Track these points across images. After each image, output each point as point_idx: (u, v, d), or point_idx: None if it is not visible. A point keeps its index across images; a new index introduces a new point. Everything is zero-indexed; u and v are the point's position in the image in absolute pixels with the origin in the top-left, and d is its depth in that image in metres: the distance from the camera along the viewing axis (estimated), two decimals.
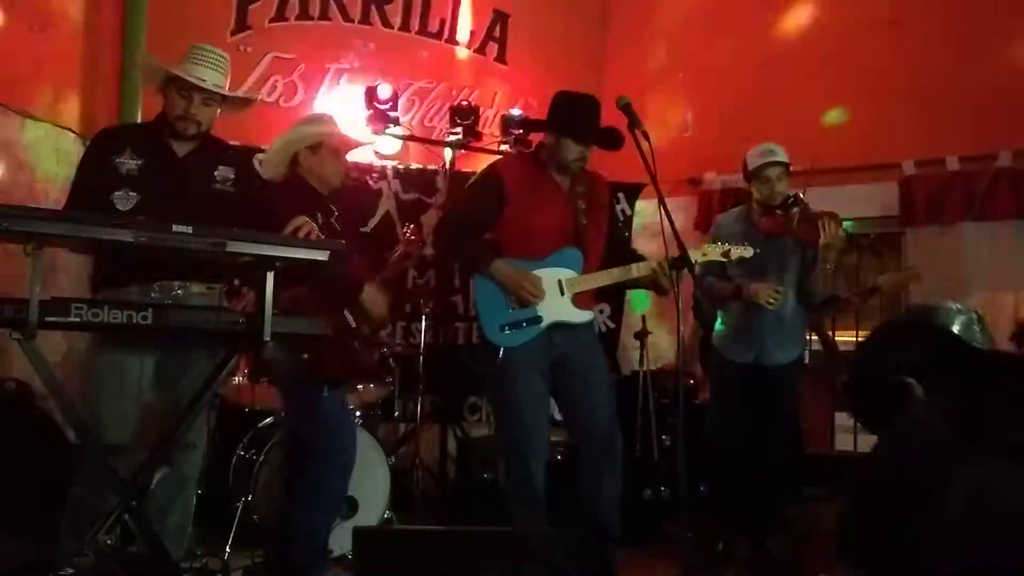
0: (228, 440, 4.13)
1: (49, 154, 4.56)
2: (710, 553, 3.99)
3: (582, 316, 3.30)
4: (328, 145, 3.31)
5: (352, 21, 5.89)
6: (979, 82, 5.14)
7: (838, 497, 3.63)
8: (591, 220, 3.32)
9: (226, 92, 3.02)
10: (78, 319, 2.35)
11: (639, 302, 5.94)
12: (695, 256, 3.19)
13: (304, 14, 5.73)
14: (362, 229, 5.34)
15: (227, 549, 3.62)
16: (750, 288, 3.84)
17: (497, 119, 6.13)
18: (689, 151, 6.10)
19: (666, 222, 2.93)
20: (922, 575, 2.62)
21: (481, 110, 5.94)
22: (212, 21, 5.36)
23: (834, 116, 5.74)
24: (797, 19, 5.97)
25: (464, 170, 5.60)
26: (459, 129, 5.73)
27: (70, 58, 4.88)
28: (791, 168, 3.92)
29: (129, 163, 2.87)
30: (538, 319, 3.21)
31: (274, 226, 2.76)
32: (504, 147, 5.87)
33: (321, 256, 2.60)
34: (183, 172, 2.96)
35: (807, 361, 4.39)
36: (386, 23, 6.00)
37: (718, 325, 4.07)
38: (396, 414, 5.14)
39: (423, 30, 6.14)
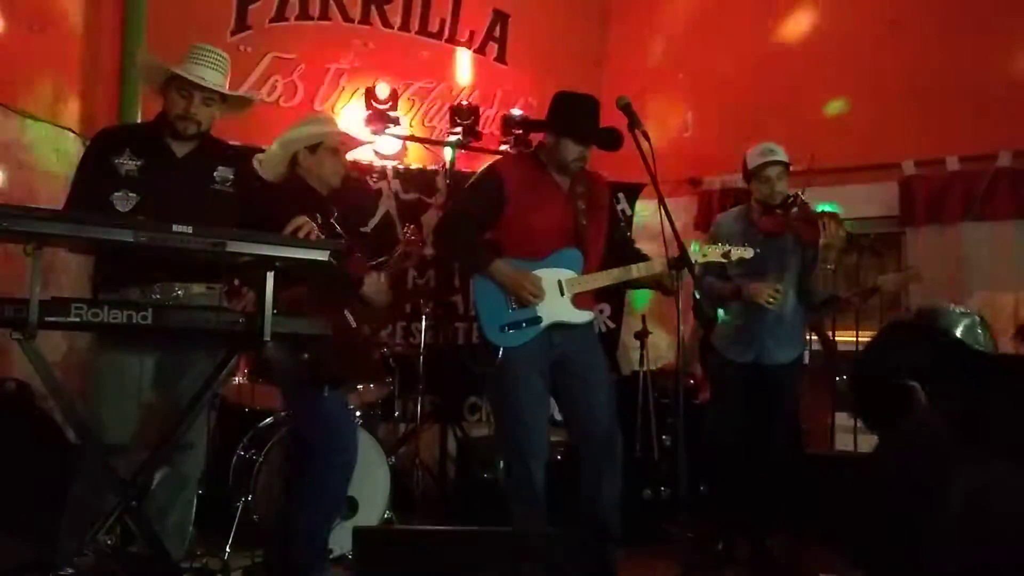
0: (228, 440, 4.13)
1: (49, 154, 4.56)
2: (710, 553, 3.99)
3: (582, 316, 3.30)
4: (327, 145, 3.31)
5: (352, 21, 5.89)
6: (979, 82, 5.14)
7: (838, 497, 3.63)
8: (591, 220, 3.33)
9: (226, 91, 3.02)
10: (78, 319, 2.35)
11: (639, 301, 5.94)
12: (695, 257, 3.19)
13: (304, 14, 5.73)
14: (362, 229, 5.34)
15: (227, 549, 3.62)
16: (750, 288, 3.84)
17: (497, 119, 6.13)
18: (689, 151, 6.10)
19: (666, 222, 2.93)
20: (922, 575, 2.62)
21: (481, 110, 5.93)
22: (212, 21, 5.36)
23: (835, 107, 5.73)
24: (797, 19, 5.96)
25: (464, 170, 5.60)
26: (459, 129, 5.73)
27: (70, 58, 4.88)
28: (791, 168, 3.92)
29: (128, 164, 2.87)
30: (538, 319, 3.21)
31: (274, 226, 2.76)
32: (504, 147, 5.87)
33: (321, 256, 2.60)
34: (182, 173, 2.96)
35: (807, 361, 4.39)
36: (386, 23, 6.00)
37: (723, 315, 4.06)
38: (396, 414, 5.15)
39: (423, 30, 6.14)
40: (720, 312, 4.09)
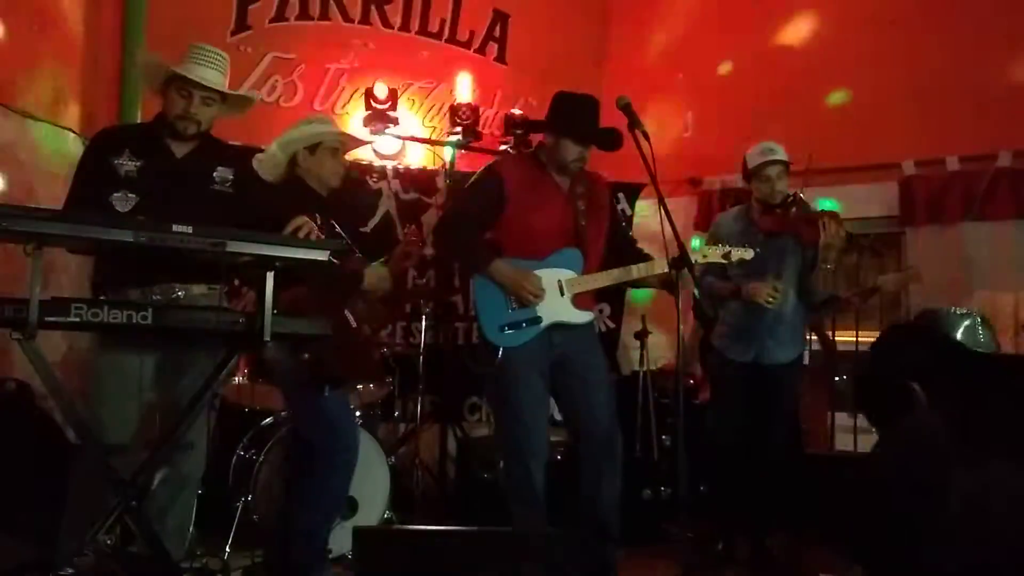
0: (228, 440, 4.13)
1: (49, 154, 4.56)
2: (710, 553, 3.99)
3: (582, 316, 3.30)
4: (326, 145, 3.30)
5: (352, 21, 5.89)
6: (979, 82, 5.14)
7: (838, 497, 3.63)
8: (591, 220, 3.33)
9: (226, 90, 3.02)
10: (78, 319, 2.35)
11: (638, 296, 5.93)
12: (695, 257, 3.19)
13: (304, 14, 5.74)
14: (362, 229, 5.34)
15: (227, 549, 3.62)
16: (749, 287, 3.84)
17: (497, 119, 6.13)
18: (689, 151, 6.10)
19: (666, 222, 2.93)
20: (922, 575, 2.62)
21: (481, 110, 5.93)
22: (212, 21, 5.36)
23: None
24: (797, 19, 5.96)
25: (464, 170, 5.60)
26: (459, 129, 5.73)
27: (70, 58, 4.88)
28: (790, 167, 3.92)
29: (128, 164, 2.88)
30: (538, 319, 3.21)
31: (274, 226, 2.76)
32: (503, 147, 5.87)
33: (321, 256, 2.60)
34: (182, 173, 2.96)
35: (807, 361, 4.39)
36: (386, 23, 6.00)
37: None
38: (396, 414, 5.15)
39: (423, 30, 6.14)
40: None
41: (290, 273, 2.68)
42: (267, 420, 4.11)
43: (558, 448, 4.13)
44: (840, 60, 5.67)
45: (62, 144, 4.66)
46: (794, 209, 3.84)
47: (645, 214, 5.94)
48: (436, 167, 5.80)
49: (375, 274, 3.29)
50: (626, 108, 3.01)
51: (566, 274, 3.26)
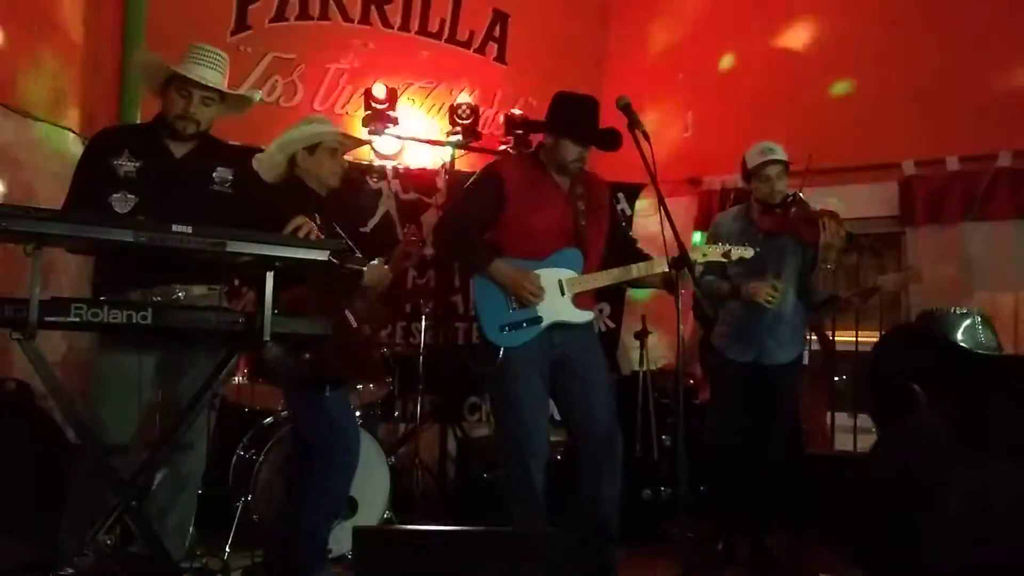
0: (228, 440, 4.13)
1: (49, 154, 4.56)
2: (710, 553, 3.98)
3: (582, 316, 3.30)
4: (325, 146, 3.30)
5: (352, 21, 5.89)
6: (979, 82, 5.14)
7: (838, 497, 3.64)
8: (591, 221, 3.33)
9: (225, 90, 3.02)
10: (78, 319, 2.35)
11: (638, 293, 5.92)
12: (695, 257, 3.19)
13: (304, 14, 5.74)
14: (362, 229, 5.34)
15: (227, 549, 3.62)
16: (748, 287, 3.84)
17: (497, 119, 6.13)
18: (689, 151, 6.10)
19: (666, 222, 2.93)
20: (922, 575, 2.62)
21: (481, 110, 5.93)
22: (212, 21, 5.37)
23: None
24: (797, 19, 5.96)
25: (464, 170, 5.60)
26: (459, 129, 5.73)
27: (70, 58, 4.88)
28: (790, 167, 3.92)
29: (127, 165, 2.87)
30: (538, 319, 3.21)
31: (273, 227, 2.75)
32: (503, 147, 5.87)
33: (321, 256, 2.60)
34: (181, 174, 2.96)
35: (806, 361, 4.39)
36: (386, 23, 6.01)
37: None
38: (396, 414, 5.15)
39: (423, 30, 6.14)
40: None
41: (290, 273, 2.68)
42: (267, 420, 4.11)
43: (558, 448, 4.14)
44: (840, 60, 5.67)
45: (62, 144, 4.66)
46: (794, 209, 3.84)
47: (645, 214, 5.94)
48: (436, 167, 5.80)
49: (375, 270, 3.29)
50: (626, 108, 3.01)
51: (566, 274, 3.25)
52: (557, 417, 3.50)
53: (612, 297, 5.85)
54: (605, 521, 3.22)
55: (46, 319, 2.28)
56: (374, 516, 3.91)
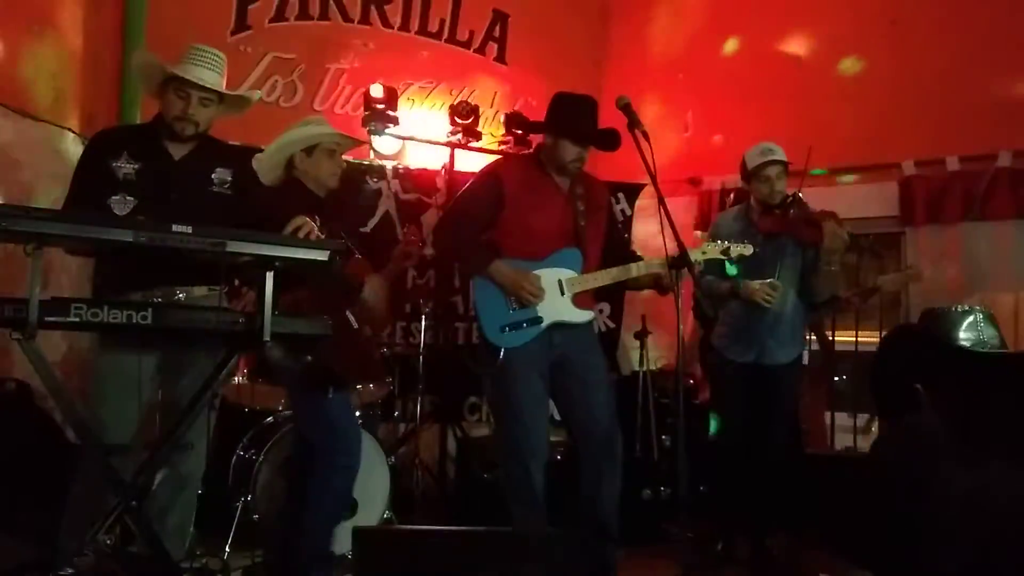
0: (228, 440, 4.13)
1: (49, 154, 4.56)
2: (710, 553, 3.98)
3: (582, 316, 3.31)
4: (323, 147, 3.29)
5: (352, 21, 5.89)
6: (979, 82, 5.14)
7: (838, 497, 3.63)
8: (590, 221, 3.33)
9: (224, 91, 3.02)
10: (78, 319, 2.34)
11: (640, 295, 5.92)
12: (695, 255, 3.19)
13: (304, 14, 5.74)
14: (362, 229, 5.34)
15: (227, 549, 3.62)
16: (747, 286, 3.84)
17: (497, 119, 6.13)
18: (689, 151, 6.10)
19: (666, 222, 2.93)
20: (922, 575, 2.62)
21: (481, 110, 5.93)
22: (212, 21, 5.36)
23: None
24: (797, 19, 5.96)
25: (464, 170, 5.60)
26: (459, 129, 5.73)
27: (70, 58, 4.87)
28: (790, 167, 3.92)
29: (126, 167, 2.87)
30: (538, 319, 3.21)
31: (273, 227, 2.75)
32: (503, 147, 5.87)
33: (321, 256, 2.59)
34: (180, 175, 2.96)
35: (806, 361, 4.39)
36: (386, 23, 6.01)
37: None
38: (396, 414, 5.15)
39: (423, 30, 6.14)
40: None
41: (291, 275, 2.68)
42: (267, 420, 4.11)
43: (558, 448, 4.14)
44: (840, 60, 5.67)
45: (62, 144, 4.66)
46: (793, 210, 3.84)
47: (645, 214, 5.94)
48: (436, 167, 5.80)
49: (373, 287, 3.29)
50: (626, 108, 3.01)
51: (566, 274, 3.26)
52: (557, 417, 3.50)
53: (612, 297, 5.85)
54: (605, 521, 3.22)
55: (46, 319, 2.28)
56: (374, 516, 3.91)
